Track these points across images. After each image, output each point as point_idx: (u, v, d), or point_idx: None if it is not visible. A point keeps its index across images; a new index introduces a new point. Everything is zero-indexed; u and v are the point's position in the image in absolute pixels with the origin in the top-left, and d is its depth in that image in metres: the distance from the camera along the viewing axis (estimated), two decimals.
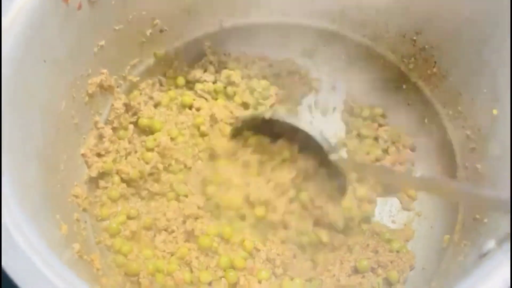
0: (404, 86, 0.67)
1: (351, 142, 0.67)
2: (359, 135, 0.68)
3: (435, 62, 0.60)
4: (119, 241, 0.56)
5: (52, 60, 0.49)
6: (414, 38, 0.62)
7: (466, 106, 0.56)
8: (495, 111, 0.49)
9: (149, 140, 0.62)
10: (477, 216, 0.49)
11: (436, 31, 0.58)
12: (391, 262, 0.57)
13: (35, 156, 0.45)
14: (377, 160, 0.65)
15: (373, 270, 0.56)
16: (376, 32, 0.66)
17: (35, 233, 0.36)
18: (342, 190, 0.58)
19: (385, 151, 0.66)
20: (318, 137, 0.57)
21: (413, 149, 0.66)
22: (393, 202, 0.65)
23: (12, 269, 0.32)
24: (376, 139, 0.67)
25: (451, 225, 0.57)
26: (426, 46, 0.61)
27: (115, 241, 0.56)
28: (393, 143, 0.66)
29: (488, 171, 0.50)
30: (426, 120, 0.65)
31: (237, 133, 0.63)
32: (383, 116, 0.69)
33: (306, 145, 0.58)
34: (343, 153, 0.61)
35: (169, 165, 0.62)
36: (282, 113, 0.60)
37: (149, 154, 0.61)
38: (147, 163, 0.61)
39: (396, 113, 0.69)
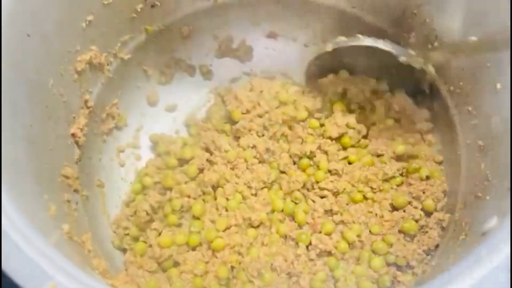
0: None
1: None
2: None
3: (436, 37, 0.59)
4: None
5: (38, 35, 0.47)
6: (415, 11, 0.60)
7: (468, 81, 0.54)
8: (498, 85, 0.47)
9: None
10: (479, 194, 0.48)
11: (437, 4, 0.56)
12: (423, 191, 0.58)
13: (22, 134, 0.44)
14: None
15: (410, 203, 0.58)
16: (375, 6, 0.64)
17: (20, 213, 0.35)
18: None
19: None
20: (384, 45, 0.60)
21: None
22: None
23: None
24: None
25: (452, 204, 0.56)
26: (427, 20, 0.59)
27: None
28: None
29: (491, 147, 0.49)
30: (427, 97, 0.64)
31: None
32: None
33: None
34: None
35: None
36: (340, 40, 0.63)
37: None
38: None
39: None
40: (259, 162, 0.63)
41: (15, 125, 0.43)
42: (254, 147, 0.63)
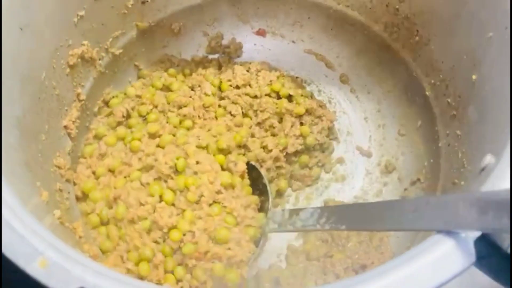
0: (387, 57, 0.67)
1: None
2: None
3: (417, 31, 0.61)
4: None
5: (30, 28, 0.49)
6: (397, 7, 0.62)
7: (447, 73, 0.56)
8: (474, 76, 0.49)
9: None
10: (456, 181, 0.50)
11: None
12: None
13: (15, 124, 0.45)
14: None
15: None
16: (360, 2, 0.66)
17: (12, 195, 0.36)
18: None
19: None
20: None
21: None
22: None
23: None
24: None
25: (431, 193, 0.58)
26: (409, 15, 0.61)
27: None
28: None
29: (467, 136, 0.51)
30: (409, 92, 0.66)
31: None
32: None
33: None
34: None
35: None
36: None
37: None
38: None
39: (379, 85, 0.70)
40: (227, 129, 0.64)
41: (7, 114, 0.44)
42: (230, 113, 0.66)
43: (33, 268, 0.31)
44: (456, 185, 0.50)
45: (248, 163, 0.62)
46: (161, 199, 0.55)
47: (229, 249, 0.52)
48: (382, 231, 0.56)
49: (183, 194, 0.55)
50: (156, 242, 0.53)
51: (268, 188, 0.61)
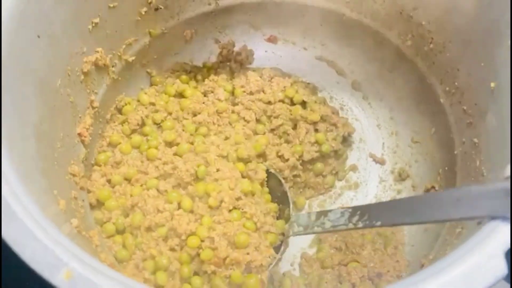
0: (400, 64, 0.67)
1: None
2: None
3: (432, 38, 0.61)
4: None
5: (47, 36, 0.49)
6: (411, 14, 0.62)
7: (463, 81, 0.56)
8: (493, 84, 0.49)
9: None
10: None
11: (433, 6, 0.58)
12: None
13: (32, 132, 0.45)
14: None
15: None
16: (373, 9, 0.66)
17: (33, 205, 0.36)
18: None
19: None
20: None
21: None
22: None
23: (11, 238, 0.32)
24: None
25: None
26: (423, 22, 0.61)
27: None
28: None
29: (485, 144, 0.51)
30: (423, 99, 0.65)
31: None
32: None
33: None
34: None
35: None
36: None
37: None
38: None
39: (392, 92, 0.70)
40: (245, 137, 0.64)
41: (25, 122, 0.44)
42: (244, 118, 0.65)
43: (58, 280, 0.31)
44: None
45: (267, 171, 0.61)
46: (179, 206, 0.55)
47: (248, 254, 0.51)
48: (421, 223, 0.54)
49: (202, 200, 0.55)
50: (172, 249, 0.52)
51: (288, 194, 0.61)
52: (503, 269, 0.31)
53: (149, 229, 0.53)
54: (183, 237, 0.52)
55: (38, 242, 0.32)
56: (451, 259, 0.33)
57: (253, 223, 0.54)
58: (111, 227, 0.55)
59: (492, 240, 0.33)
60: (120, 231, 0.55)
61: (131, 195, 0.56)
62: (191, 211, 0.54)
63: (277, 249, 0.57)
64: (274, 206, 0.60)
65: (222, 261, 0.51)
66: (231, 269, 0.51)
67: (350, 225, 0.50)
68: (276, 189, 0.62)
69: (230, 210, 0.55)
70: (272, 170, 0.63)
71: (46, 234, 0.33)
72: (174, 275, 0.51)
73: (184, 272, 0.51)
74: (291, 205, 0.60)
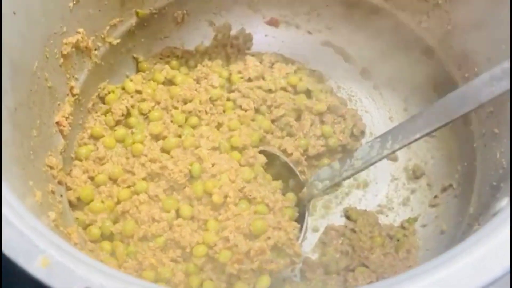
0: (415, 49, 0.69)
1: None
2: None
3: (449, 19, 0.63)
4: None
5: (24, 12, 0.51)
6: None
7: (482, 66, 0.58)
8: None
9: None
10: (494, 183, 0.52)
11: None
12: None
13: (7, 116, 0.47)
14: None
15: None
16: None
17: (9, 191, 0.38)
18: None
19: None
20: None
21: None
22: None
23: None
24: None
25: (464, 204, 0.59)
26: (440, 1, 0.63)
27: None
28: None
29: (506, 134, 0.52)
30: (439, 88, 0.67)
31: None
32: None
33: None
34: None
35: None
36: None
37: None
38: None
39: (406, 80, 0.72)
40: (241, 123, 0.66)
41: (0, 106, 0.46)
42: (240, 107, 0.67)
43: (34, 267, 0.32)
44: (494, 188, 0.51)
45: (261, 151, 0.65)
46: (177, 214, 0.57)
47: (269, 238, 0.53)
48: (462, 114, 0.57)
49: (203, 201, 0.57)
50: (175, 260, 0.55)
51: (290, 163, 0.65)
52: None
53: (143, 238, 0.55)
54: (188, 250, 0.54)
55: (12, 227, 0.34)
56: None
57: (264, 206, 0.57)
58: (96, 231, 0.57)
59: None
60: (106, 237, 0.57)
61: (118, 199, 0.58)
62: (192, 218, 0.56)
63: (301, 220, 0.61)
64: (277, 183, 0.63)
65: (245, 256, 0.52)
66: (256, 260, 0.53)
67: (386, 152, 0.56)
68: (272, 165, 0.64)
69: (236, 204, 0.57)
70: (262, 148, 0.65)
71: (21, 220, 0.35)
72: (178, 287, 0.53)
73: (193, 283, 0.54)
74: (297, 171, 0.64)
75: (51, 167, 0.56)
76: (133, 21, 0.69)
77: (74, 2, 0.58)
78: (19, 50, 0.51)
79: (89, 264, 0.33)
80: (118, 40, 0.67)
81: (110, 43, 0.67)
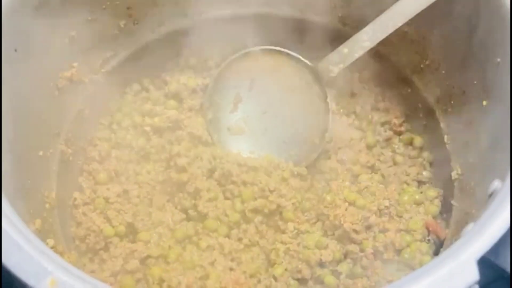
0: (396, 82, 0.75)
1: None
2: None
3: (427, 55, 0.69)
4: None
5: (24, 49, 0.56)
6: (406, 30, 0.70)
7: (458, 99, 0.64)
8: (484, 102, 0.57)
9: None
10: (467, 211, 0.58)
11: (427, 22, 0.67)
12: None
13: (8, 147, 0.52)
14: None
15: None
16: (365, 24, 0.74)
17: (16, 216, 0.43)
18: None
19: None
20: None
21: None
22: None
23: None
24: None
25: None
26: (418, 38, 0.69)
27: None
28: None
29: (479, 163, 0.58)
30: (421, 115, 0.74)
31: None
32: None
33: None
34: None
35: None
36: None
37: None
38: None
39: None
40: None
41: (3, 137, 0.51)
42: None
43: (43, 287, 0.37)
44: (468, 214, 0.57)
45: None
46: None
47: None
48: None
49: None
50: None
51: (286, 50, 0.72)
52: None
53: None
54: None
55: (23, 251, 0.39)
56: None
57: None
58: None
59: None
60: None
61: None
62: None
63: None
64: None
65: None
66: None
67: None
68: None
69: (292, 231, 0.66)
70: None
71: (31, 244, 0.40)
72: None
73: None
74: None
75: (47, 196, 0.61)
76: (125, 53, 0.75)
77: (70, 38, 0.64)
78: (20, 85, 0.56)
79: (94, 284, 0.38)
80: (111, 72, 0.73)
81: (102, 75, 0.72)
